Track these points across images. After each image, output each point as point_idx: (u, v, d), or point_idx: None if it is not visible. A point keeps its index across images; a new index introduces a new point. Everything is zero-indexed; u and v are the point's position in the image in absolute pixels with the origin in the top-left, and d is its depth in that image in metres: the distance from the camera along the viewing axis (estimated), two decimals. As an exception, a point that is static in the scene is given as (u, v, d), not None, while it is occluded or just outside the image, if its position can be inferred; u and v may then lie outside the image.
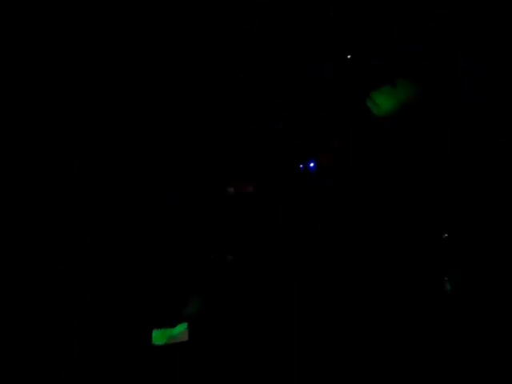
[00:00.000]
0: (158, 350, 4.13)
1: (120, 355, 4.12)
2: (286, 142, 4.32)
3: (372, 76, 4.31)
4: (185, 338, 4.03)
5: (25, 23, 4.28)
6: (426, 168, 4.25)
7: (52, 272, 4.16)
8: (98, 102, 4.31)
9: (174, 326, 4.07)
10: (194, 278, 4.22)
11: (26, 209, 4.21)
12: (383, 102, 4.17)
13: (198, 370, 4.13)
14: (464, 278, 4.16)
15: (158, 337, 3.97)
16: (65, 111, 4.29)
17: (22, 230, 4.19)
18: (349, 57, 4.16)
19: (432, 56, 4.28)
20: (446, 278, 4.14)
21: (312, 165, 4.20)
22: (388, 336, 4.12)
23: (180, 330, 4.04)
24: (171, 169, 4.30)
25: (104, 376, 4.10)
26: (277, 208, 4.29)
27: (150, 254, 4.23)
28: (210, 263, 4.23)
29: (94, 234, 4.23)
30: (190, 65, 4.34)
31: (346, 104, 4.33)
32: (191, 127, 4.33)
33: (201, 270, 4.23)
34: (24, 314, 4.12)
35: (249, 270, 4.24)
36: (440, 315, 4.14)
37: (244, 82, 4.34)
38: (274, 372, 4.13)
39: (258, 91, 4.34)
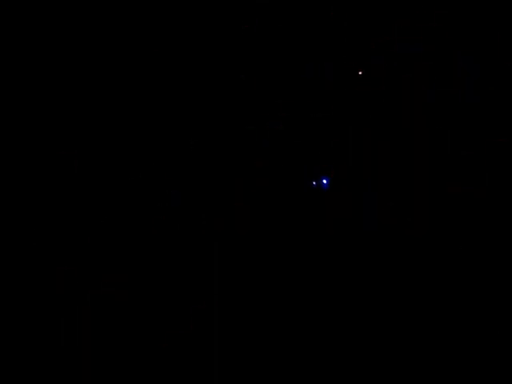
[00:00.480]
0: (159, 351, 4.13)
1: (120, 355, 4.12)
2: (287, 143, 4.32)
3: (372, 76, 4.31)
4: None
5: (25, 23, 4.28)
6: (426, 167, 4.25)
7: (52, 272, 4.16)
8: (98, 102, 4.30)
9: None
10: (194, 277, 4.22)
11: (26, 209, 4.20)
12: None
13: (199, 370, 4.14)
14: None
15: None
16: (65, 111, 4.29)
17: (22, 230, 4.19)
18: (360, 73, 4.16)
19: (432, 56, 4.28)
20: None
21: (325, 181, 4.21)
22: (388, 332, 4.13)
23: None
24: (171, 169, 4.30)
25: (104, 376, 4.10)
26: (278, 208, 4.29)
27: (150, 253, 4.22)
28: (211, 262, 4.24)
29: (94, 234, 4.22)
30: (190, 65, 4.34)
31: (345, 104, 4.32)
32: (191, 127, 4.33)
33: (201, 270, 4.23)
34: (24, 313, 4.12)
35: (250, 271, 4.25)
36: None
37: (244, 82, 4.34)
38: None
39: (258, 91, 4.33)
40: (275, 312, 4.19)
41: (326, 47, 4.33)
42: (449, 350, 4.06)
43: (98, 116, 4.30)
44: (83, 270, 4.17)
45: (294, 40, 4.33)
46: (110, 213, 4.24)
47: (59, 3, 4.29)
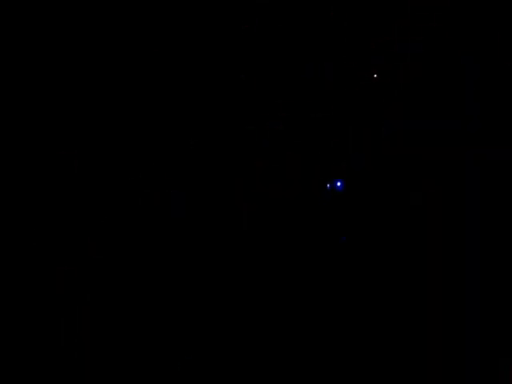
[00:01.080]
0: (159, 351, 4.13)
1: (120, 355, 4.12)
2: (287, 143, 4.32)
3: (372, 76, 4.32)
4: None
5: (25, 23, 4.28)
6: (425, 165, 4.25)
7: (52, 272, 4.16)
8: (98, 102, 4.30)
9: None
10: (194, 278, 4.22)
11: (27, 209, 4.20)
12: None
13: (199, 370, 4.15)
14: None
15: None
16: (65, 111, 4.29)
17: (23, 230, 4.19)
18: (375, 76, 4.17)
19: (432, 56, 4.28)
20: None
21: (339, 184, 4.21)
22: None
23: None
24: (171, 169, 4.30)
25: (104, 376, 4.10)
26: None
27: (150, 253, 4.22)
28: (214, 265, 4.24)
29: (94, 233, 4.22)
30: (190, 65, 4.34)
31: (345, 104, 4.33)
32: (191, 127, 4.33)
33: (201, 270, 4.23)
34: (24, 313, 4.12)
35: (251, 273, 4.25)
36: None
37: (244, 82, 4.34)
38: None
39: (257, 91, 4.34)
40: (274, 312, 4.20)
41: (326, 47, 4.33)
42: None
43: (98, 116, 4.30)
44: (83, 269, 4.17)
45: (294, 40, 4.33)
46: (110, 213, 4.24)
47: (59, 3, 4.29)
